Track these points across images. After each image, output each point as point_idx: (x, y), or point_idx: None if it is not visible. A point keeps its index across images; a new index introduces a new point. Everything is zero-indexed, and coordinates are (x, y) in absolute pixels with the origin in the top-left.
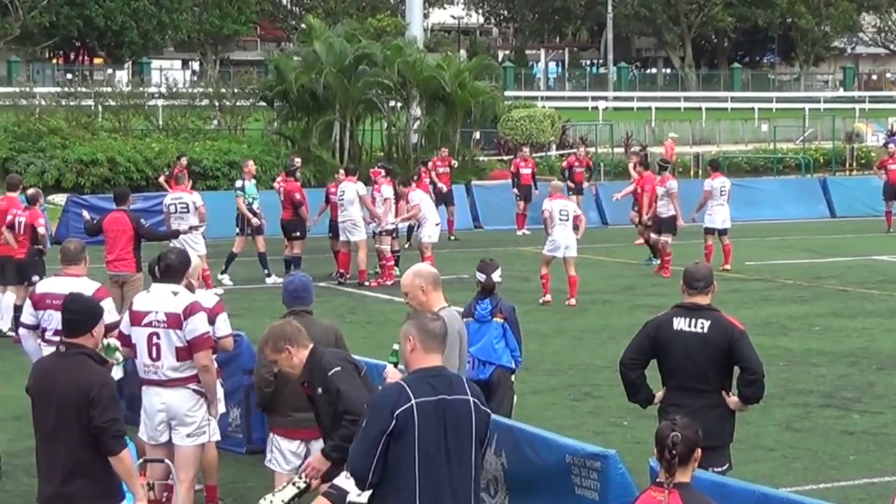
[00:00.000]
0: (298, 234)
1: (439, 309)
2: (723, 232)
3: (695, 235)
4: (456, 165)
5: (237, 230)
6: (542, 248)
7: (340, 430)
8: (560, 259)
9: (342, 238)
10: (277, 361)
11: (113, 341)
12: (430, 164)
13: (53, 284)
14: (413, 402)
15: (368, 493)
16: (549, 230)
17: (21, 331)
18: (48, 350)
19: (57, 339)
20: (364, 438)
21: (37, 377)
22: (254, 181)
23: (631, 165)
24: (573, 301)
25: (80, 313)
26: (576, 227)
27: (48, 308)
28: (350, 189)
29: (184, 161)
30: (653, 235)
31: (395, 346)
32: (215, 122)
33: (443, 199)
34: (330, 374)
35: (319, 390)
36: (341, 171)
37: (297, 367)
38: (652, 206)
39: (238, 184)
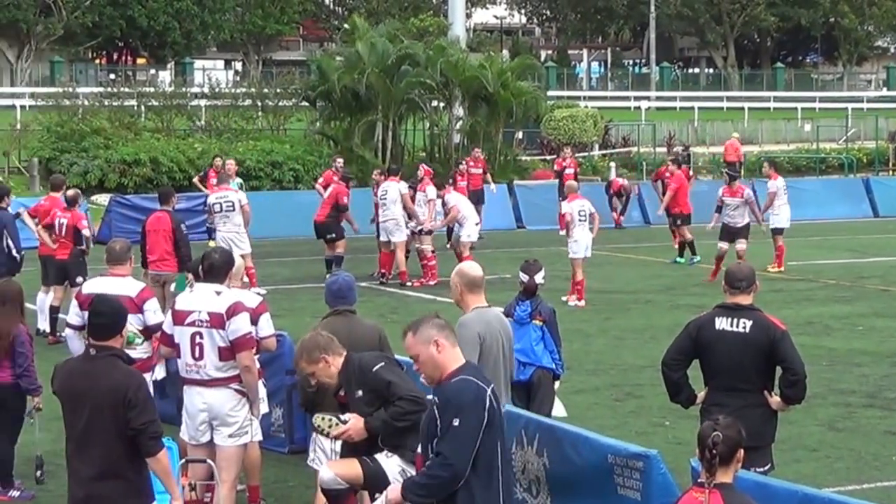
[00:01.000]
0: (333, 235)
1: (476, 308)
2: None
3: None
4: (485, 167)
5: None
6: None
7: (392, 409)
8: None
9: (382, 238)
10: (315, 373)
11: (131, 329)
12: (462, 164)
13: (99, 285)
14: (488, 390)
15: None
16: (570, 232)
17: (67, 331)
18: None
19: None
20: (464, 437)
21: (66, 380)
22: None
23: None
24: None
25: (108, 316)
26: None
27: None
28: (393, 188)
29: (218, 161)
30: (721, 245)
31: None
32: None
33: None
34: (374, 370)
35: (359, 392)
36: (376, 172)
37: (335, 375)
38: (675, 200)
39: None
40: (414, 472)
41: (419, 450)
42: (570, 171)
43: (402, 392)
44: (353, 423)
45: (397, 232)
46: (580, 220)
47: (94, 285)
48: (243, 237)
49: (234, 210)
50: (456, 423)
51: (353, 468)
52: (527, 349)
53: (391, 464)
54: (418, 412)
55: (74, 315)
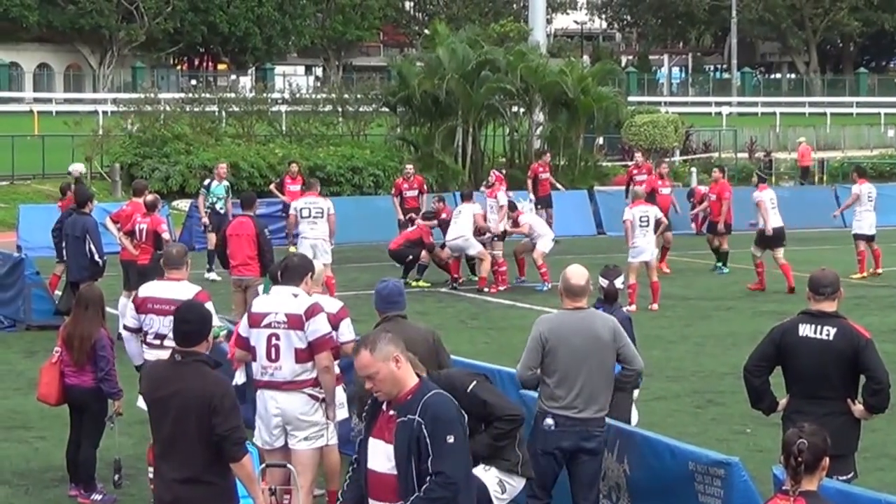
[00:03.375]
0: (411, 257)
1: (563, 310)
2: (871, 238)
3: (832, 241)
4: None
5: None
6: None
7: (493, 431)
8: (642, 265)
9: (455, 253)
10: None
11: (216, 324)
12: (530, 168)
13: (155, 288)
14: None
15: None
16: (630, 239)
17: (124, 333)
18: (150, 353)
19: (158, 342)
20: (461, 453)
21: (153, 385)
22: (225, 182)
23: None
24: (655, 306)
25: (195, 323)
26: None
27: (150, 312)
28: (467, 211)
29: (294, 168)
30: (756, 251)
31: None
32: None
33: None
34: (469, 390)
35: None
36: (434, 200)
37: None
38: (728, 213)
39: (205, 182)
40: (513, 482)
41: (398, 468)
42: (640, 177)
43: (500, 412)
44: None
45: (471, 246)
46: (641, 226)
47: (150, 289)
48: (327, 246)
49: (322, 217)
50: (451, 440)
51: None
52: None
53: (489, 477)
54: (517, 429)
55: (131, 318)
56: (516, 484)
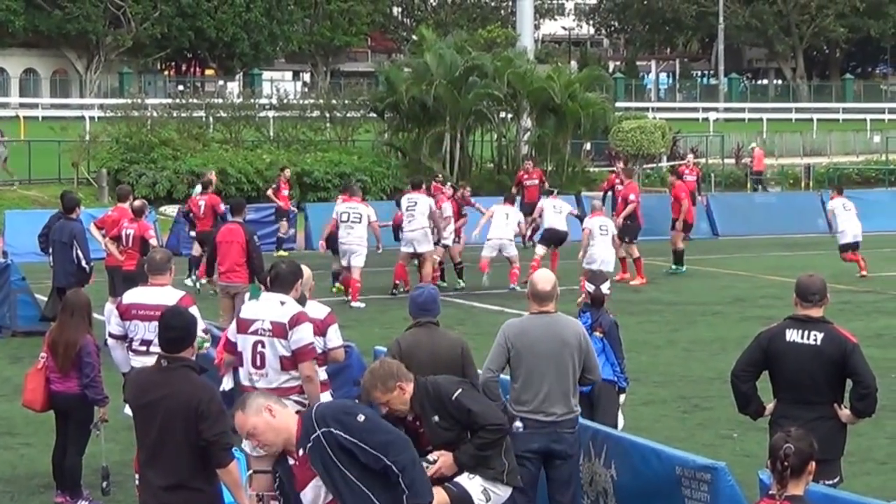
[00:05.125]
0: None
1: (540, 313)
2: (855, 246)
3: (819, 246)
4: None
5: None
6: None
7: (478, 440)
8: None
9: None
10: (389, 402)
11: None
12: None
13: (139, 295)
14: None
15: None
16: (586, 247)
17: (109, 341)
18: (136, 360)
19: (144, 348)
20: (420, 467)
21: (138, 391)
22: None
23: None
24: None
25: (180, 329)
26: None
27: (134, 318)
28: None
29: (287, 172)
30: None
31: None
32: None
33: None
34: (454, 398)
35: (436, 418)
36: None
37: (408, 402)
38: (690, 212)
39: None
40: (498, 490)
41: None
42: (620, 187)
43: (484, 421)
44: (443, 460)
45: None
46: (601, 234)
47: (134, 295)
48: (363, 249)
49: (359, 222)
50: (361, 418)
51: (439, 496)
52: None
53: (473, 485)
54: (503, 438)
55: (116, 325)
56: (502, 493)
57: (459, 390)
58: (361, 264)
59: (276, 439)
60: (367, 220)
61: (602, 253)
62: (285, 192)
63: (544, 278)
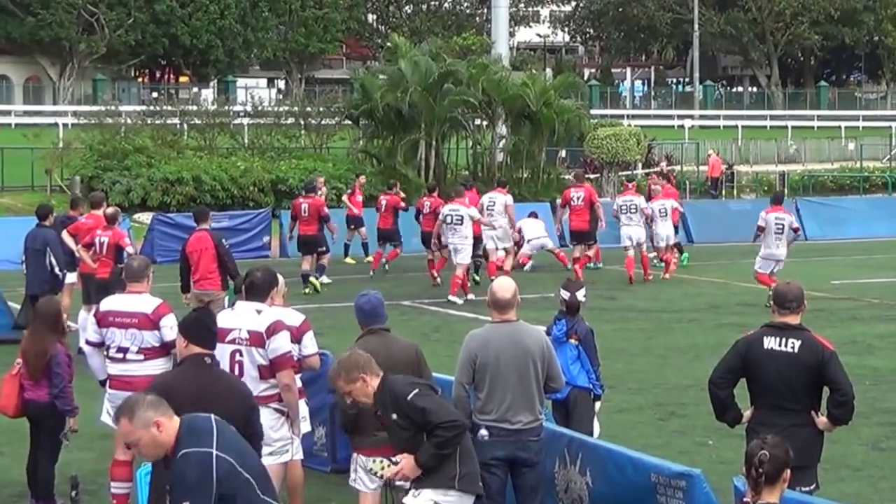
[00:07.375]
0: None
1: (502, 322)
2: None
3: (794, 254)
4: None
5: None
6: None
7: (434, 439)
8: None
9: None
10: (351, 392)
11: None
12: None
13: (116, 302)
14: (212, 451)
15: None
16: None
17: (86, 348)
18: (112, 367)
19: (120, 356)
20: None
21: (187, 389)
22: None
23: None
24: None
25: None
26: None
27: (111, 325)
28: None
29: (362, 179)
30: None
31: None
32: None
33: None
34: (409, 398)
35: (395, 416)
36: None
37: (371, 395)
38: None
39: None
40: (449, 498)
41: None
42: (655, 188)
43: (437, 419)
44: (405, 462)
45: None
46: (661, 217)
47: (111, 303)
48: (466, 248)
49: (461, 223)
50: None
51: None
52: (563, 368)
53: (420, 502)
54: (459, 435)
55: (93, 332)
56: (454, 499)
57: (415, 391)
58: (466, 262)
59: (158, 452)
60: (470, 220)
61: (665, 230)
62: (359, 198)
63: (503, 286)
